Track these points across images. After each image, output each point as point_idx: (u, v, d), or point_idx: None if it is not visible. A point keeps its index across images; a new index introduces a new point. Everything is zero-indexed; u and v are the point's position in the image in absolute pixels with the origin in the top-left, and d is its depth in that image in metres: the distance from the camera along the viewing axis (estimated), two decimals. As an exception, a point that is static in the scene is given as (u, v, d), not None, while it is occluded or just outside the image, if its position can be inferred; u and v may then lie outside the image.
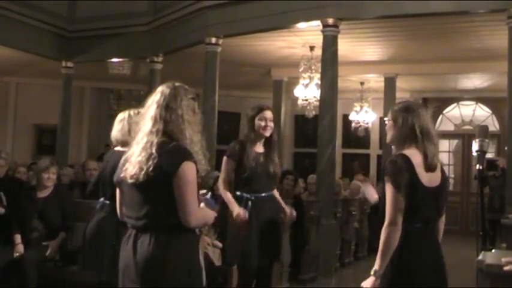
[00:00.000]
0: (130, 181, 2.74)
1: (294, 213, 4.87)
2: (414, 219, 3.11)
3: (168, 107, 2.79)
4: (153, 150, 2.70)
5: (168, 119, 2.78)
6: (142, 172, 2.68)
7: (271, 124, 4.63)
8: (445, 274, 3.26)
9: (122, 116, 4.29)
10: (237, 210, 4.49)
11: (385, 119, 3.37)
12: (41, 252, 5.75)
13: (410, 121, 3.19)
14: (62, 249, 5.99)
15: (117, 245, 4.10)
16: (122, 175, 2.81)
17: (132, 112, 4.28)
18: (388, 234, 3.06)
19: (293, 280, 7.46)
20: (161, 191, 2.70)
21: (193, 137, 2.81)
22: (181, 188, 2.68)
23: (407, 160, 3.12)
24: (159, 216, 2.73)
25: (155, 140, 2.73)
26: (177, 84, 2.91)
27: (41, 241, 5.84)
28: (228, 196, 4.60)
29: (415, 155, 3.14)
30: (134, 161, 2.74)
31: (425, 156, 3.15)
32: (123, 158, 2.86)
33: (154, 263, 2.69)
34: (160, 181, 2.69)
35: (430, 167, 3.15)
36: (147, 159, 2.69)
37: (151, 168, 2.67)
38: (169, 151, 2.71)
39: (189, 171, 2.71)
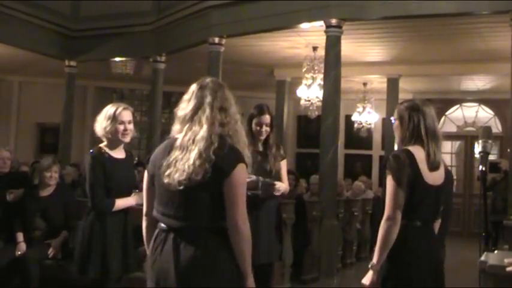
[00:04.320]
0: (178, 187, 2.59)
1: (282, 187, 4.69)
2: (414, 217, 3.11)
3: (222, 109, 2.69)
4: (210, 154, 2.59)
5: (224, 121, 2.68)
6: (198, 177, 2.56)
7: (267, 129, 4.66)
8: (442, 274, 3.26)
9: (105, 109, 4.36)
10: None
11: (392, 118, 3.33)
12: (43, 251, 5.75)
13: (416, 120, 3.18)
14: (64, 248, 6.00)
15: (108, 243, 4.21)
16: (165, 181, 2.63)
17: (111, 108, 4.33)
18: (386, 229, 3.06)
19: (295, 280, 7.46)
20: (210, 194, 2.61)
21: (243, 137, 2.75)
22: (232, 190, 2.60)
23: (410, 155, 3.12)
24: (204, 218, 2.62)
25: (212, 144, 2.61)
26: (218, 81, 2.80)
27: (43, 240, 5.85)
28: None
29: (418, 152, 3.14)
30: (185, 165, 2.60)
31: (428, 155, 3.15)
32: (161, 159, 2.69)
33: (203, 267, 2.58)
34: (213, 183, 2.59)
35: (432, 166, 3.15)
36: (202, 164, 2.58)
37: (209, 173, 2.57)
38: (226, 152, 2.62)
39: (242, 173, 2.64)
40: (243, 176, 2.65)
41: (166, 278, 2.60)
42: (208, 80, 2.78)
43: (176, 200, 2.63)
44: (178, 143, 2.67)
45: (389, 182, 3.08)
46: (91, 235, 4.23)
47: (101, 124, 4.28)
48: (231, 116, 2.71)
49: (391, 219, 3.06)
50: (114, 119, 4.24)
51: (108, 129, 4.23)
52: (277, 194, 4.62)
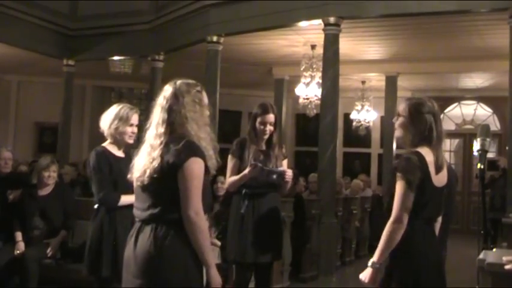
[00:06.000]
0: (137, 183, 2.85)
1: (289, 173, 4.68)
2: (418, 217, 3.09)
3: (171, 109, 2.82)
4: (155, 154, 2.76)
5: (173, 120, 2.81)
6: (146, 175, 2.76)
7: (270, 128, 4.62)
8: (444, 273, 3.26)
9: (114, 108, 4.36)
10: (245, 172, 4.49)
11: (400, 115, 3.22)
12: (41, 250, 5.74)
13: (429, 122, 3.13)
14: (63, 247, 6.00)
15: (117, 243, 4.19)
16: (129, 176, 2.93)
17: (123, 108, 4.33)
18: (391, 231, 3.04)
19: (294, 278, 7.47)
20: (166, 187, 2.74)
21: (199, 133, 2.82)
22: (184, 182, 2.70)
23: (421, 158, 3.08)
24: (162, 210, 2.75)
25: (158, 143, 2.78)
26: (178, 82, 2.91)
27: (42, 239, 5.84)
28: (231, 178, 4.59)
29: (428, 155, 3.11)
30: (139, 164, 2.84)
31: (436, 157, 3.12)
32: (134, 159, 2.94)
33: (150, 256, 2.70)
34: (167, 178, 2.73)
35: (439, 168, 3.14)
36: (150, 163, 2.76)
37: (152, 171, 2.75)
38: (179, 147, 2.73)
39: (194, 166, 2.72)
40: (195, 169, 2.73)
41: (129, 264, 2.80)
42: (172, 82, 2.94)
43: (142, 194, 2.84)
44: (144, 143, 2.91)
45: (400, 184, 3.06)
46: (101, 235, 4.21)
47: (109, 123, 4.26)
48: (182, 115, 2.81)
49: (398, 222, 3.04)
50: (126, 120, 4.26)
51: (119, 129, 4.25)
52: (288, 180, 4.59)
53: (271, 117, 4.62)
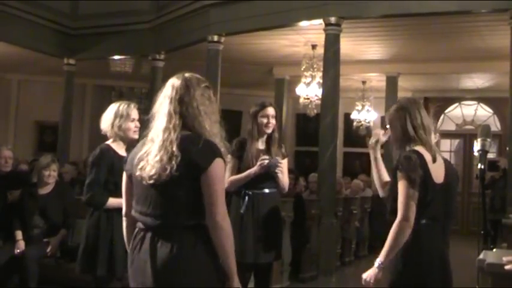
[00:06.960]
0: (149, 182, 2.57)
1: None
2: (423, 216, 3.11)
3: (182, 101, 2.64)
4: (174, 148, 2.54)
5: (185, 113, 2.63)
6: (166, 172, 2.52)
7: (273, 121, 4.60)
8: (450, 274, 3.25)
9: (112, 107, 4.34)
10: (252, 170, 4.47)
11: (388, 121, 3.38)
12: (41, 249, 5.75)
13: (413, 117, 3.21)
14: (63, 246, 6.00)
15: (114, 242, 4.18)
16: (137, 173, 2.63)
17: (122, 105, 4.31)
18: (399, 230, 3.05)
19: (294, 278, 7.47)
20: (185, 190, 2.55)
21: (212, 129, 2.66)
22: (211, 187, 2.54)
23: (420, 156, 3.12)
24: (180, 216, 2.56)
25: (173, 137, 2.57)
26: (187, 74, 2.74)
27: (41, 238, 5.85)
28: (233, 177, 4.54)
29: (425, 152, 3.15)
30: (152, 160, 2.57)
31: (429, 150, 3.17)
32: (137, 155, 2.69)
33: (179, 267, 2.52)
34: (187, 179, 2.54)
35: (434, 160, 3.16)
36: (170, 159, 2.53)
37: (174, 168, 2.51)
38: (200, 147, 2.56)
39: (218, 168, 2.57)
40: (219, 171, 2.58)
41: (144, 277, 2.58)
42: (179, 75, 2.77)
43: (152, 198, 2.59)
44: (150, 137, 2.68)
45: (402, 183, 3.07)
46: (97, 233, 4.20)
47: (111, 123, 4.24)
48: (194, 107, 2.64)
49: (405, 220, 3.05)
50: (127, 116, 4.25)
51: (122, 126, 4.24)
52: (276, 170, 4.53)
53: (271, 109, 4.61)
